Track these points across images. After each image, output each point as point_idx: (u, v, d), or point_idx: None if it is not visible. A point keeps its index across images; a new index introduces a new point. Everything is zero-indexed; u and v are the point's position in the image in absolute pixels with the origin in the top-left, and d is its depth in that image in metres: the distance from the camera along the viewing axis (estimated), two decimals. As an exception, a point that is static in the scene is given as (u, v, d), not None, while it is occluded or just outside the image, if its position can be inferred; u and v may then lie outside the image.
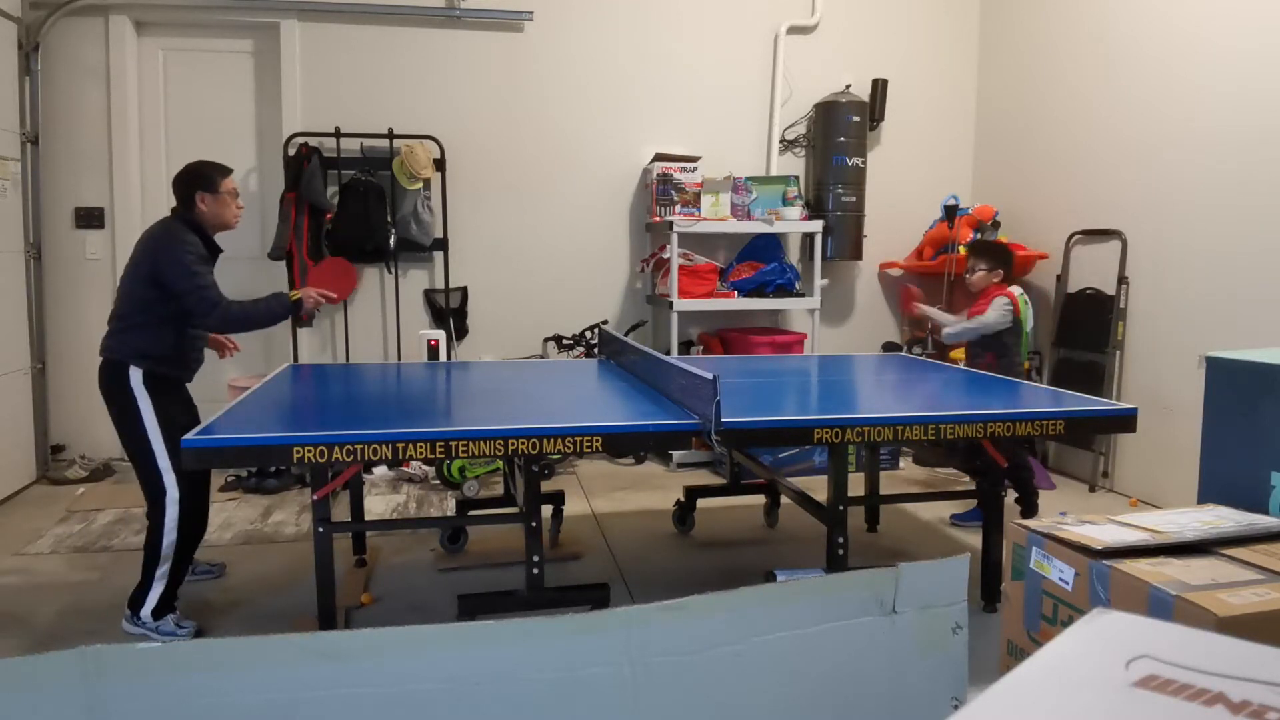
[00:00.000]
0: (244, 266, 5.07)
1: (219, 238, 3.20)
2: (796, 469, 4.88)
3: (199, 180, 3.09)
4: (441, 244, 5.32)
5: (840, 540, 2.98)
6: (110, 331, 3.04)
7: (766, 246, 5.52)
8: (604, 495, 4.68)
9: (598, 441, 2.62)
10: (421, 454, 2.46)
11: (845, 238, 5.57)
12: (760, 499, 4.24)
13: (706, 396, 2.57)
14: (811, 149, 5.78)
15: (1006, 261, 4.12)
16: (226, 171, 3.17)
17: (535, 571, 2.83)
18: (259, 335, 5.25)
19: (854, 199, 5.57)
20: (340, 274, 3.26)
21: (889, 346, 5.90)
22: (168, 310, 3.00)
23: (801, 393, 3.43)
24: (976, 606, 3.13)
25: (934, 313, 4.29)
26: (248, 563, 3.69)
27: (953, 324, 4.14)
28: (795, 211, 5.37)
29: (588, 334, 5.39)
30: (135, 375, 2.98)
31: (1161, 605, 1.76)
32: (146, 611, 2.98)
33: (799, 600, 1.43)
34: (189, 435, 2.41)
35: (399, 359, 5.34)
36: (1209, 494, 2.38)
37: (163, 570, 2.99)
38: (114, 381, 2.99)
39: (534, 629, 1.31)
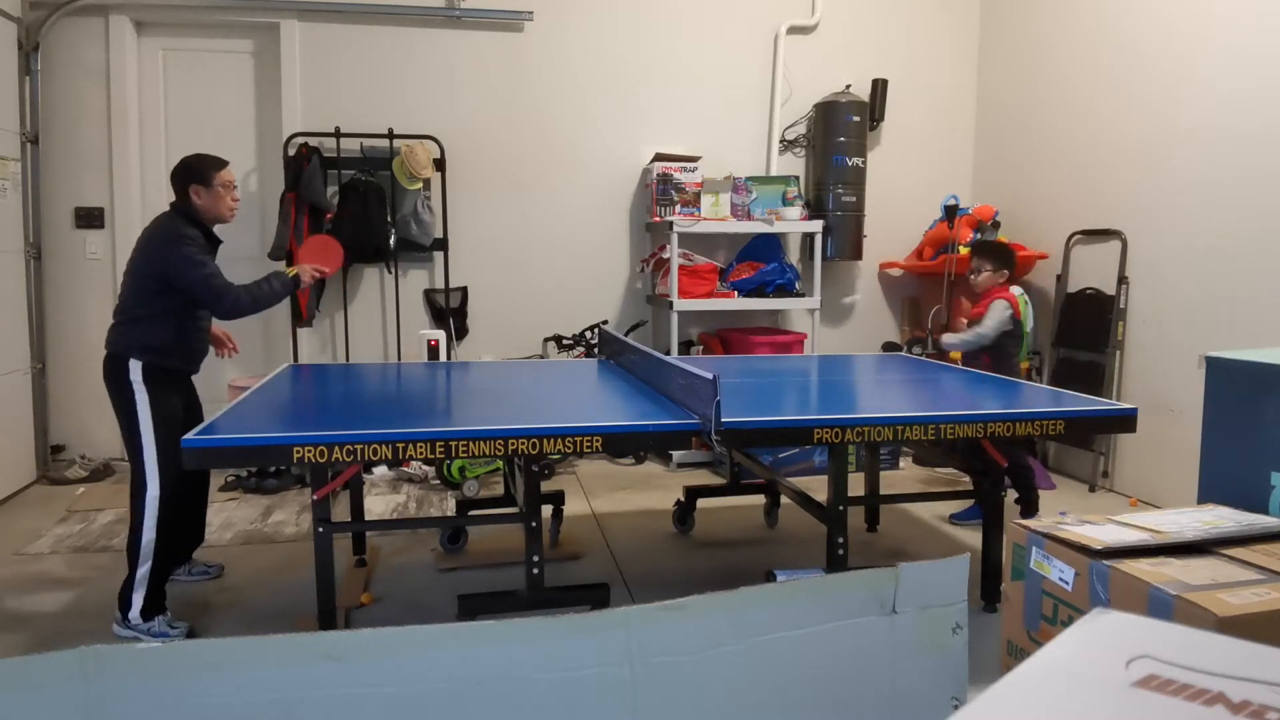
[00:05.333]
0: (244, 266, 5.06)
1: (218, 230, 3.20)
2: (796, 469, 4.88)
3: (192, 174, 3.09)
4: (441, 244, 5.32)
5: (840, 540, 2.98)
6: (113, 325, 3.05)
7: (766, 246, 5.52)
8: (604, 495, 4.68)
9: (598, 441, 2.62)
10: (421, 454, 2.46)
11: (845, 238, 5.57)
12: (760, 499, 4.24)
13: (706, 396, 2.57)
14: (811, 149, 5.78)
15: (1011, 262, 4.13)
16: (221, 164, 3.14)
17: (535, 571, 2.83)
18: (259, 335, 5.26)
19: (854, 199, 5.57)
20: (327, 249, 3.30)
21: (889, 346, 5.90)
22: (168, 303, 3.01)
23: (801, 393, 3.43)
24: (976, 606, 3.12)
25: (945, 336, 4.17)
26: (248, 563, 3.69)
27: (955, 336, 4.12)
28: (795, 211, 5.37)
29: (588, 334, 5.39)
30: (135, 369, 2.97)
31: (1161, 605, 1.76)
32: (134, 613, 2.97)
33: (799, 600, 1.43)
34: (189, 435, 2.41)
35: (399, 359, 5.34)
36: (1209, 494, 2.38)
37: (143, 571, 2.96)
38: (115, 375, 3.00)
39: (534, 629, 1.31)
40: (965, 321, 4.23)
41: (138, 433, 2.97)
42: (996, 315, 3.98)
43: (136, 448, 2.98)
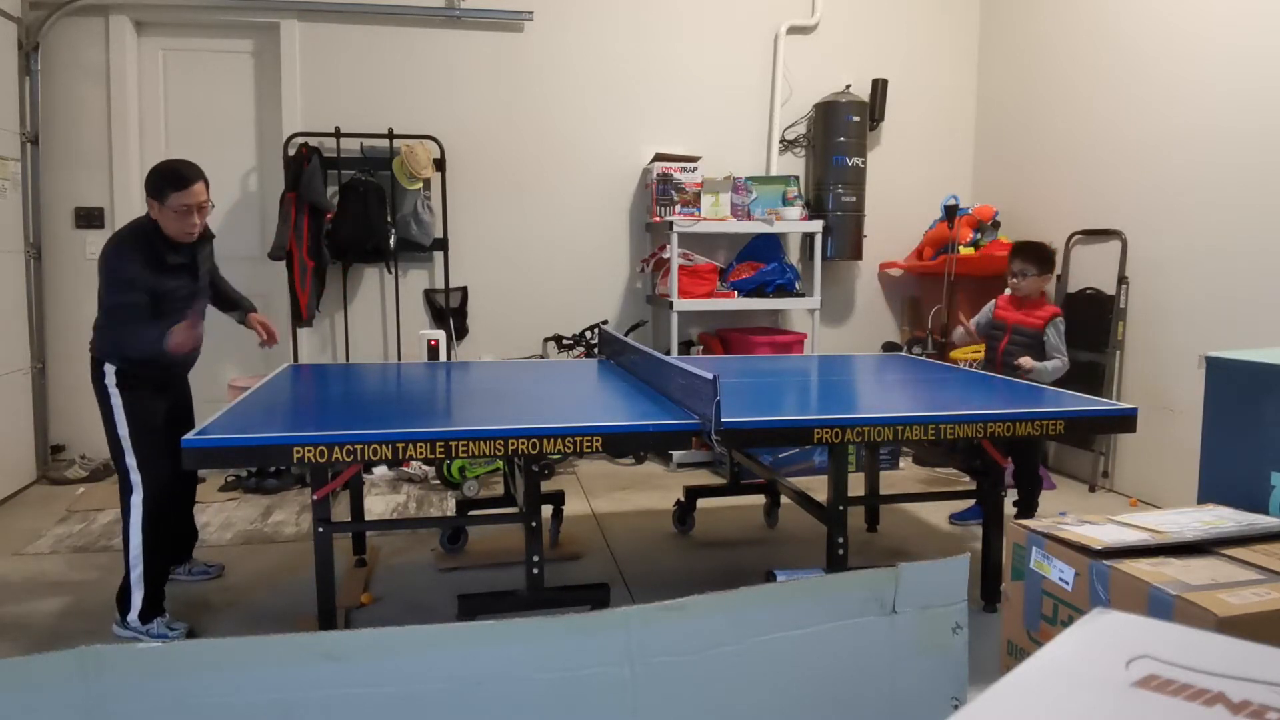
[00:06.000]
0: (244, 267, 5.06)
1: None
2: (796, 469, 4.88)
3: (150, 187, 2.94)
4: (441, 244, 5.32)
5: (840, 540, 2.98)
6: (93, 327, 3.07)
7: (766, 246, 5.52)
8: (604, 495, 4.68)
9: (598, 441, 2.62)
10: (421, 454, 2.46)
11: (845, 238, 5.57)
12: (760, 499, 4.24)
13: (706, 396, 2.57)
14: (811, 149, 5.78)
15: (1053, 264, 4.06)
16: (183, 184, 2.89)
17: (535, 571, 2.83)
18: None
19: (854, 199, 5.57)
20: (189, 335, 2.95)
21: (889, 346, 5.90)
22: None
23: (801, 393, 3.43)
24: (976, 606, 3.12)
25: (1039, 365, 3.88)
26: (248, 563, 3.68)
27: (1047, 366, 3.87)
28: (795, 211, 5.37)
29: (588, 334, 5.39)
30: (109, 373, 2.97)
31: (1161, 605, 1.76)
32: (133, 616, 2.97)
33: (799, 600, 1.43)
34: (189, 435, 2.41)
35: (399, 359, 5.34)
36: (1209, 494, 2.38)
37: (137, 573, 2.96)
38: (94, 378, 3.01)
39: (534, 629, 1.31)
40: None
41: (117, 436, 2.98)
42: (1061, 332, 3.91)
43: (117, 451, 2.99)
